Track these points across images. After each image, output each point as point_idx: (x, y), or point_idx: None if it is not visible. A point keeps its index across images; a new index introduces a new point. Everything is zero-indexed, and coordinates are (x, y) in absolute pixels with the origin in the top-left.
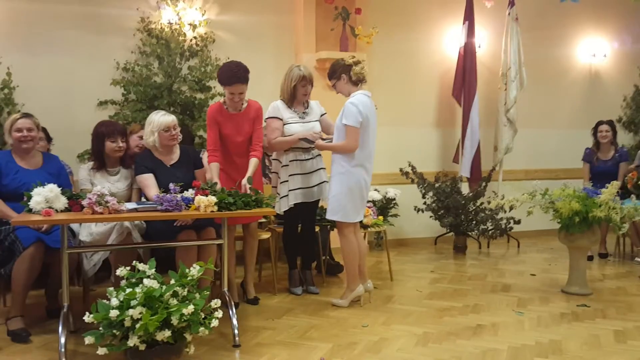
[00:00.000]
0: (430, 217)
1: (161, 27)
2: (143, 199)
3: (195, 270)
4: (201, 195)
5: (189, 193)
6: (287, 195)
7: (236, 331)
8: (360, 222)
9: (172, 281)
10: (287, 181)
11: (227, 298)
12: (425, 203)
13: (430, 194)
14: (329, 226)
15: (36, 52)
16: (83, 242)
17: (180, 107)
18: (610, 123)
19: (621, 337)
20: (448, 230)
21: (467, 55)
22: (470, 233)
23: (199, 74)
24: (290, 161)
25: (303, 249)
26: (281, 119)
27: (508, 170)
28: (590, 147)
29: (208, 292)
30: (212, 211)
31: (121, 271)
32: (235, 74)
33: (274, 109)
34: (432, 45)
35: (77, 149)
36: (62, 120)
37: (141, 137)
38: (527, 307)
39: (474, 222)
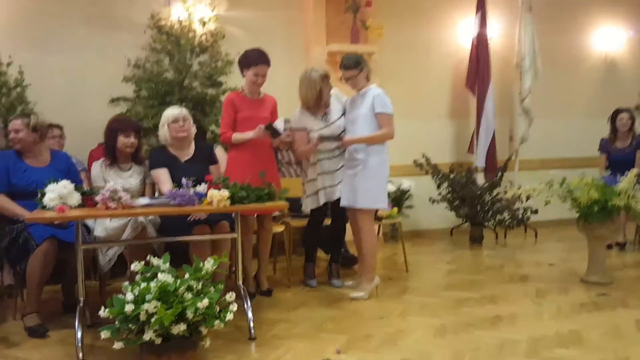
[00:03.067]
0: (446, 208)
1: (171, 24)
2: (157, 195)
3: (209, 264)
4: (214, 189)
5: (202, 187)
6: (315, 194)
7: (252, 324)
8: (375, 213)
9: (187, 275)
10: (315, 179)
11: (242, 291)
12: (440, 194)
13: (445, 184)
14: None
15: (48, 51)
16: (98, 237)
17: (191, 102)
18: (629, 111)
19: None
20: (464, 221)
21: (480, 46)
22: (486, 224)
23: (209, 70)
24: (318, 160)
25: (334, 243)
26: (305, 129)
27: (524, 159)
28: (605, 137)
29: (222, 286)
30: (225, 205)
31: (136, 266)
32: (262, 54)
33: (297, 119)
34: (444, 36)
35: (90, 146)
36: (74, 117)
37: None
38: (545, 297)
39: (490, 212)
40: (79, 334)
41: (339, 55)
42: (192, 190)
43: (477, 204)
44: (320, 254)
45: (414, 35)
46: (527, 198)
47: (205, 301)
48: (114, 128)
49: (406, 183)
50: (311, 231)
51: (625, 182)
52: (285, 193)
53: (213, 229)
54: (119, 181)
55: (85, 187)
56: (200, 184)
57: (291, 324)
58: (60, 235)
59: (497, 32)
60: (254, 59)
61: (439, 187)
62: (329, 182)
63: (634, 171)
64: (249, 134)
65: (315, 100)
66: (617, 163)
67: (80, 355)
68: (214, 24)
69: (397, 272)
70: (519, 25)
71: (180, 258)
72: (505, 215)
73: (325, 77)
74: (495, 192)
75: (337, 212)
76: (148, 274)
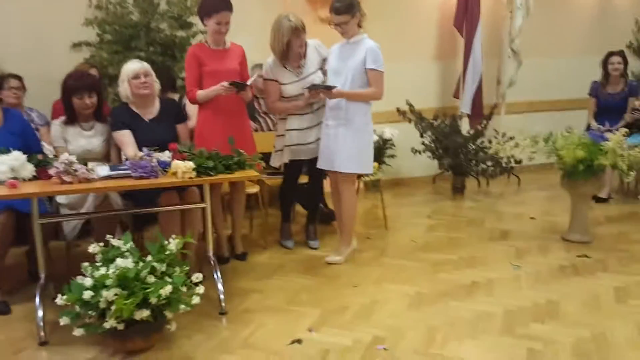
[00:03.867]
0: (428, 157)
1: None
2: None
3: (173, 245)
4: (178, 159)
5: (166, 155)
6: (281, 150)
7: (222, 296)
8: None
9: (149, 257)
10: (283, 135)
11: (212, 262)
12: (423, 143)
13: (429, 133)
14: (322, 175)
15: None
16: (61, 204)
17: (160, 46)
18: (621, 54)
19: (622, 296)
20: (446, 170)
21: None
22: (470, 174)
23: (178, 10)
24: (289, 115)
25: (310, 203)
26: (276, 81)
27: (510, 102)
28: (597, 80)
29: (188, 268)
30: (191, 177)
31: (94, 248)
32: (221, 1)
33: (267, 70)
34: None
35: (54, 96)
36: (34, 66)
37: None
38: (524, 258)
39: (474, 161)
40: (40, 313)
41: None
42: (154, 160)
43: (461, 153)
44: (300, 209)
45: None
46: (511, 152)
47: (169, 288)
48: (67, 88)
49: (388, 132)
50: (285, 190)
51: (613, 140)
52: (256, 159)
53: (182, 195)
54: (81, 141)
55: (46, 144)
56: (166, 147)
57: (264, 295)
58: (17, 205)
59: None
60: (214, 6)
61: (421, 135)
62: (297, 139)
63: (622, 130)
64: (213, 91)
65: (282, 53)
66: (607, 108)
67: (42, 334)
68: None
69: (376, 229)
70: None
71: (149, 219)
72: (488, 164)
73: (295, 30)
74: (479, 141)
75: (314, 172)
76: (109, 256)
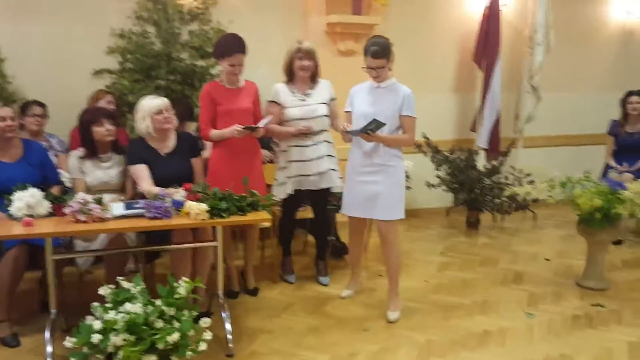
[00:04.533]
0: (444, 190)
1: None
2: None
3: (183, 289)
4: (192, 200)
5: (181, 195)
6: (284, 182)
7: (229, 336)
8: None
9: (159, 302)
10: (284, 167)
11: (221, 301)
12: (438, 176)
13: (445, 166)
14: (335, 208)
15: (25, 21)
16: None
17: (180, 75)
18: None
19: (635, 352)
20: (462, 204)
21: (492, 16)
22: (484, 209)
23: (199, 40)
24: (289, 146)
25: (317, 239)
26: (279, 104)
27: (527, 137)
28: (616, 118)
29: (196, 313)
30: (204, 219)
31: (105, 290)
32: (236, 42)
33: (273, 92)
34: (452, 4)
35: (74, 122)
36: (56, 92)
37: (109, 102)
38: (538, 305)
39: (489, 197)
40: (49, 349)
41: (339, 27)
42: (168, 201)
43: (476, 188)
44: (311, 239)
45: (420, 4)
46: (527, 196)
47: (176, 335)
48: (85, 121)
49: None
50: (284, 222)
51: (632, 190)
52: (270, 200)
53: (194, 231)
54: (98, 173)
55: (64, 172)
56: (180, 183)
57: (272, 336)
58: (31, 239)
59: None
60: (228, 49)
61: (437, 169)
62: (299, 171)
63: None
64: (226, 133)
65: (286, 71)
66: (626, 147)
67: None
68: None
69: None
70: None
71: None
72: (504, 199)
73: (298, 51)
74: (495, 176)
75: (318, 204)
76: (119, 299)
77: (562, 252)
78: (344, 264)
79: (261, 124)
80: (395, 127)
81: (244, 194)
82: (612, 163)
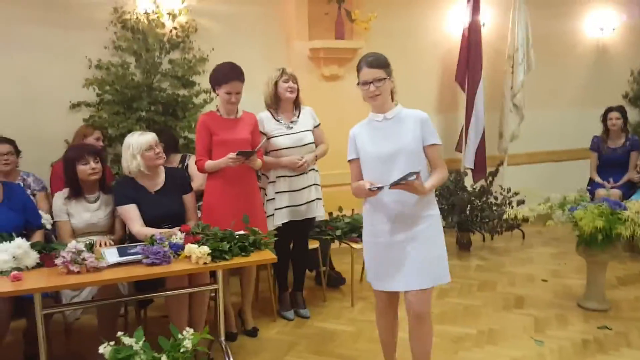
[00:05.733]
0: None
1: (137, 18)
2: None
3: (189, 342)
4: (191, 242)
5: (179, 237)
6: (273, 214)
7: None
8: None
9: (164, 358)
10: (273, 199)
11: (223, 348)
12: None
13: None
14: (329, 238)
15: None
16: None
17: (162, 106)
18: (620, 109)
19: None
20: (452, 227)
21: (472, 35)
22: (475, 230)
23: (181, 69)
24: (278, 177)
25: (294, 270)
26: (265, 133)
27: (510, 154)
28: (598, 134)
29: None
30: (206, 263)
31: (104, 348)
32: (233, 69)
33: (258, 122)
34: (433, 25)
35: (50, 158)
36: (31, 127)
37: (98, 139)
38: (545, 331)
39: (479, 217)
40: None
41: (323, 52)
42: (166, 246)
43: (467, 209)
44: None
45: (401, 24)
46: (525, 220)
47: None
48: (70, 158)
49: None
50: (277, 256)
51: (632, 209)
52: (272, 237)
53: (191, 274)
54: (85, 215)
55: (44, 213)
56: (172, 221)
57: None
58: None
59: (488, 19)
60: (224, 77)
61: None
62: (288, 202)
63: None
64: (221, 163)
65: (272, 100)
66: (609, 163)
67: None
68: (185, 16)
69: None
70: (512, 12)
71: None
72: (495, 220)
73: (283, 73)
74: (485, 197)
75: (300, 235)
76: (120, 356)
77: (556, 271)
78: (341, 295)
79: (257, 148)
80: (420, 164)
81: (245, 232)
82: (598, 179)
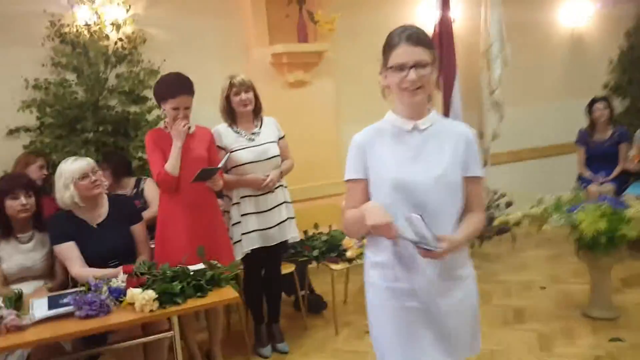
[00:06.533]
0: None
1: (77, 31)
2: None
3: None
4: (135, 285)
5: (120, 279)
6: (240, 240)
7: None
8: (345, 256)
9: None
10: (239, 222)
11: None
12: None
13: None
14: (306, 259)
15: None
16: None
17: (110, 125)
18: (605, 100)
19: None
20: None
21: (443, 32)
22: None
23: (129, 83)
24: (242, 198)
25: (268, 300)
26: (223, 148)
27: (492, 153)
28: (584, 128)
29: None
30: (152, 310)
31: None
32: (178, 82)
33: (216, 137)
34: (402, 22)
35: None
36: None
37: (41, 167)
38: (553, 349)
39: None
40: None
41: (286, 57)
42: (105, 292)
43: None
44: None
45: (369, 24)
46: (517, 223)
47: None
48: None
49: None
50: (248, 286)
51: (634, 207)
52: (234, 270)
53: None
54: (17, 258)
55: None
56: (121, 258)
57: None
58: None
59: (459, 14)
60: (169, 90)
61: None
62: (256, 225)
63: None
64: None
65: (226, 113)
66: (597, 156)
67: None
68: (131, 26)
69: None
70: (483, 5)
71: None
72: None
73: (231, 86)
74: None
75: (271, 260)
76: None
77: (554, 276)
78: (324, 322)
79: (220, 165)
80: (458, 200)
81: (201, 267)
82: (588, 175)
